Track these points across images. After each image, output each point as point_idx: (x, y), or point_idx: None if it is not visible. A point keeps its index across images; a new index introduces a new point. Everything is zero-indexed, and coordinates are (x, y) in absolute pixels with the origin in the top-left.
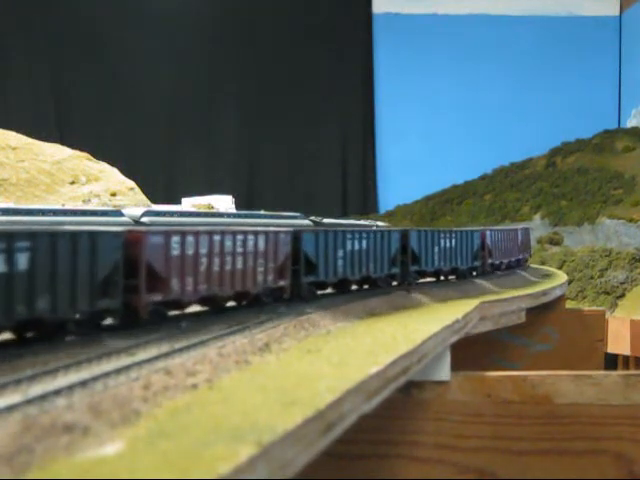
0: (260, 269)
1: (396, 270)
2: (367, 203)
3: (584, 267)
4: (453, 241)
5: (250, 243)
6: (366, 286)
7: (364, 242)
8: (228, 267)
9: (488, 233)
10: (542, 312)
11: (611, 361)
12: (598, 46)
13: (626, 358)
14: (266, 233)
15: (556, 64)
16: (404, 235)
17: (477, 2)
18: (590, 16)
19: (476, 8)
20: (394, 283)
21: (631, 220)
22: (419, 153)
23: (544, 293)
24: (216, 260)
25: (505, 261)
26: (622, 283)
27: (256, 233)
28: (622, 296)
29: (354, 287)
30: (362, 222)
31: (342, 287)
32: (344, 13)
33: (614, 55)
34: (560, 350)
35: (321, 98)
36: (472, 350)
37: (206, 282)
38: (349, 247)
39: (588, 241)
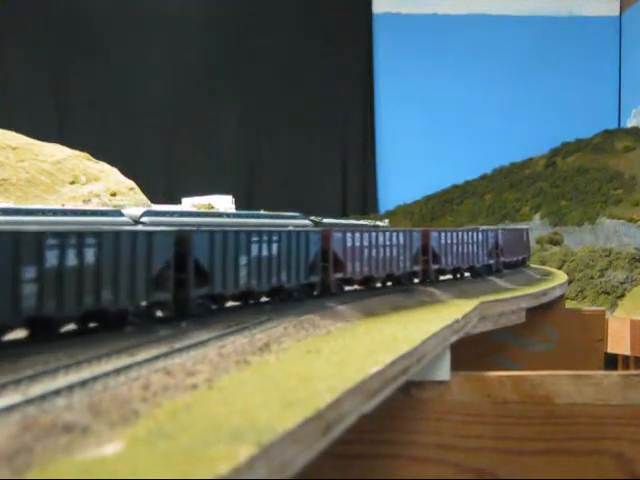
0: None
1: (165, 296)
2: (367, 203)
3: (584, 267)
4: (274, 246)
5: None
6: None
7: (90, 252)
8: None
9: (337, 235)
10: (542, 312)
11: (611, 361)
12: (598, 46)
13: (626, 358)
14: None
15: (556, 64)
16: (180, 239)
17: (477, 2)
18: (590, 16)
19: (476, 8)
20: (162, 314)
21: (631, 220)
22: (419, 153)
23: (544, 293)
24: None
25: (378, 275)
26: (622, 283)
27: None
28: (622, 296)
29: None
30: (362, 222)
31: (43, 329)
32: (344, 13)
33: (614, 55)
34: (560, 350)
35: (321, 98)
36: (472, 350)
37: None
38: (51, 262)
39: (588, 241)
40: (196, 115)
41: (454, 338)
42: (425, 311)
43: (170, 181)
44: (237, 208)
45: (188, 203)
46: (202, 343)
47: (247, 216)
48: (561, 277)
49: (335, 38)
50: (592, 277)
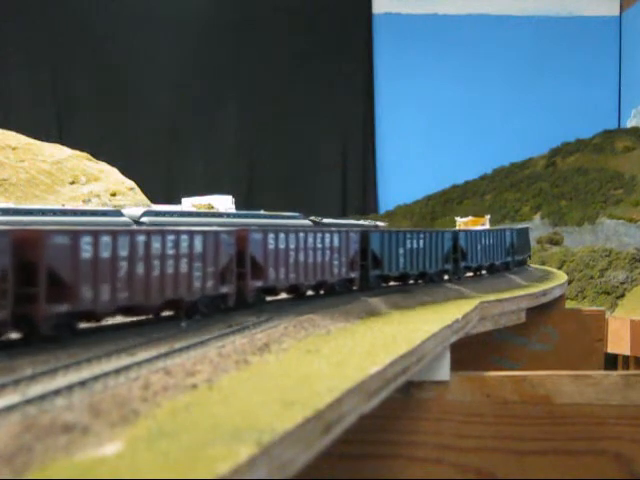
0: None
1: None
2: (367, 203)
3: (584, 267)
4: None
5: None
6: None
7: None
8: None
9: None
10: (542, 312)
11: (611, 361)
12: (598, 46)
13: (626, 358)
14: None
15: (556, 64)
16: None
17: (477, 2)
18: (590, 16)
19: (476, 8)
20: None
21: (631, 220)
22: (419, 153)
23: (544, 293)
24: None
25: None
26: (622, 283)
27: None
28: (622, 296)
29: None
30: (362, 222)
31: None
32: (344, 13)
33: (614, 55)
34: (560, 350)
35: (321, 98)
36: (472, 350)
37: None
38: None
39: (588, 241)
40: (196, 115)
41: (454, 338)
42: (428, 310)
43: (170, 181)
44: (237, 208)
45: (188, 203)
46: (202, 343)
47: (247, 216)
48: (561, 277)
49: (335, 38)
50: (592, 277)
